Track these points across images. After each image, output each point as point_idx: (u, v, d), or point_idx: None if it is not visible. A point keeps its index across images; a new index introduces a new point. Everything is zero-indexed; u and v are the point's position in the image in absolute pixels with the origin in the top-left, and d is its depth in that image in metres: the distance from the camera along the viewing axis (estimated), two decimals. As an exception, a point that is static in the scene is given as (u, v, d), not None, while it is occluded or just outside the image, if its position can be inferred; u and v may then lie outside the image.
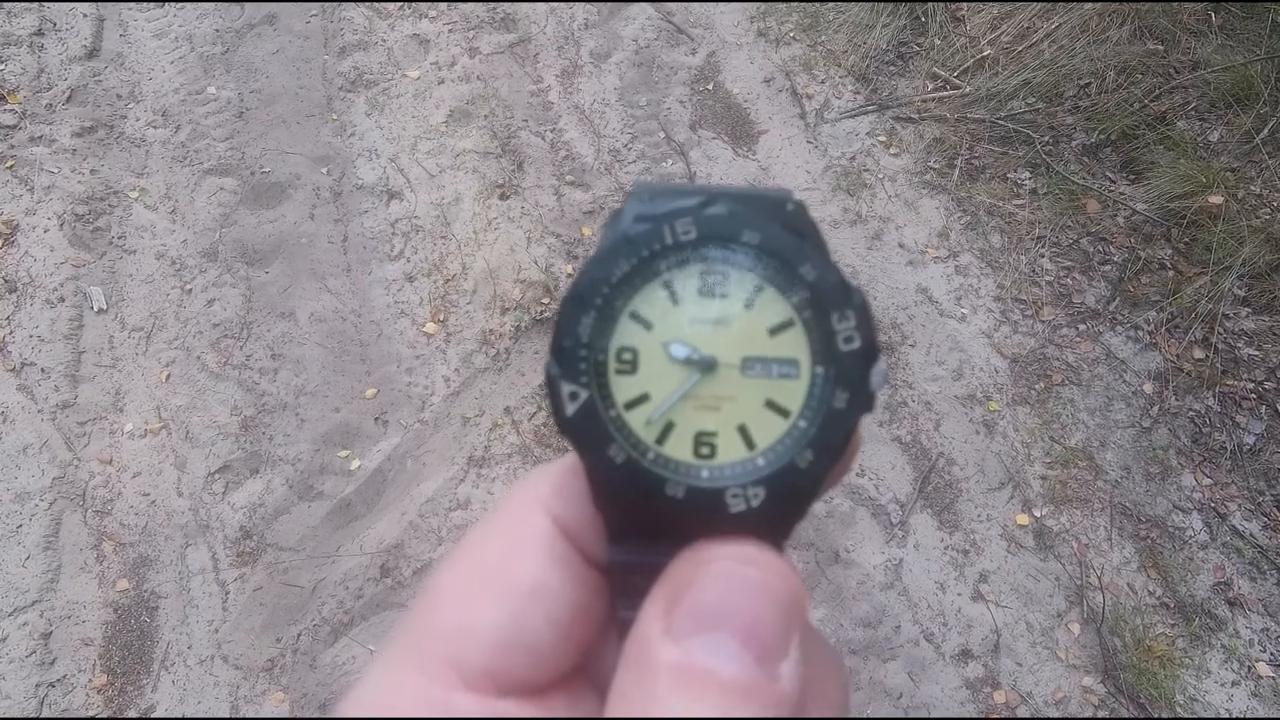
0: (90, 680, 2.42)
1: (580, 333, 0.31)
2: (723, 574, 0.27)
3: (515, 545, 0.31)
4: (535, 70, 3.74)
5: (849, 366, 0.30)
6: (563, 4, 3.94)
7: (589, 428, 0.30)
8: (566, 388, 0.30)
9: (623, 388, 0.31)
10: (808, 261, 0.31)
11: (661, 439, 0.31)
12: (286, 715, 2.36)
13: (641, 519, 0.30)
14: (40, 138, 3.44)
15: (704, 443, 0.31)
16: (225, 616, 2.51)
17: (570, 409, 0.30)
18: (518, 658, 0.29)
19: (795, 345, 0.31)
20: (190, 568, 2.58)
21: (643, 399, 0.31)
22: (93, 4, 3.86)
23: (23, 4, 3.81)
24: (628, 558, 0.30)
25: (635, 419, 0.31)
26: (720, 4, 3.97)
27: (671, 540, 0.29)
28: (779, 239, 0.31)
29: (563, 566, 0.31)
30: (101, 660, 2.44)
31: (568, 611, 0.30)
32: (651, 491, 0.30)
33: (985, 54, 3.66)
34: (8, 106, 3.50)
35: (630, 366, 0.31)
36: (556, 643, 0.30)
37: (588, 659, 0.32)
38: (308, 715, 2.36)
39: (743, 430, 0.31)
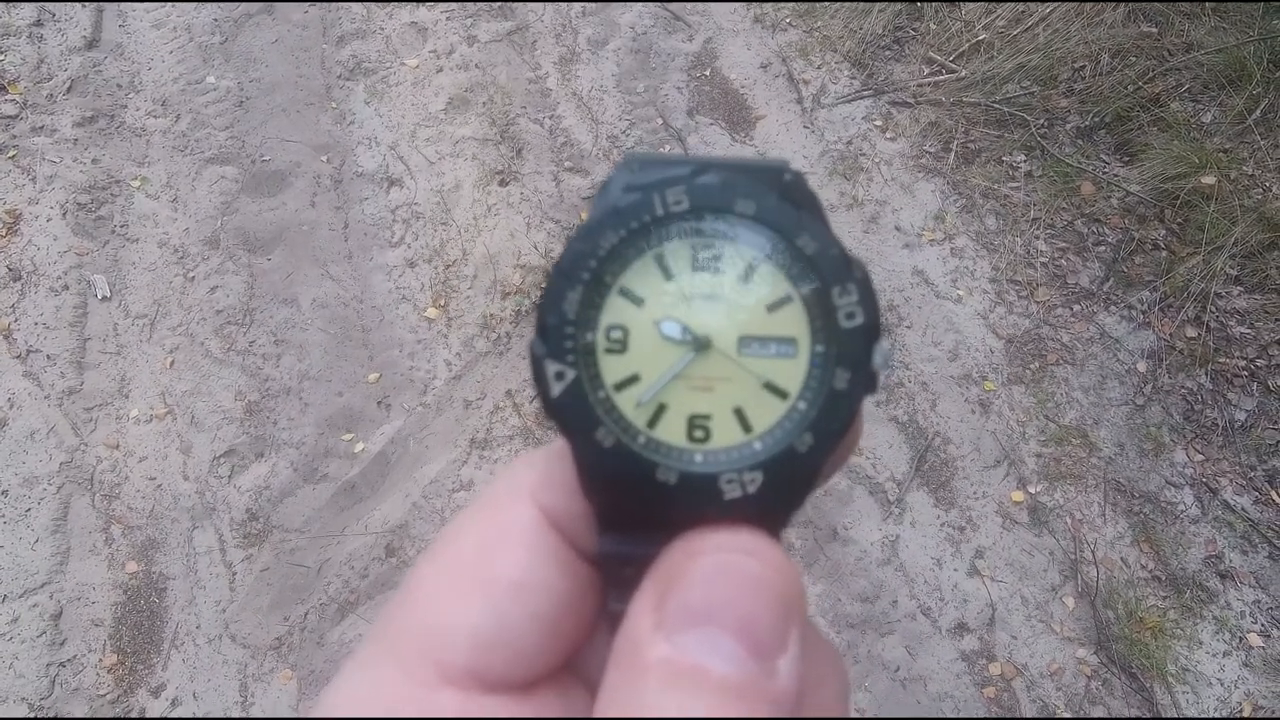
0: (101, 660, 2.46)
1: (566, 309, 0.29)
2: (717, 566, 0.26)
3: (498, 537, 0.29)
4: (533, 58, 3.76)
5: (850, 344, 0.29)
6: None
7: (576, 410, 0.29)
8: (552, 367, 0.29)
9: (612, 368, 0.29)
10: (806, 233, 0.29)
11: (653, 422, 0.29)
12: (288, 711, 2.40)
13: (632, 507, 0.29)
14: (42, 128, 3.46)
15: (698, 426, 0.29)
16: (233, 597, 2.55)
17: (556, 390, 0.29)
18: (501, 655, 0.27)
19: (794, 322, 0.29)
20: (197, 549, 2.62)
21: (633, 380, 0.29)
22: (91, -6, 3.88)
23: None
24: (618, 548, 0.29)
25: (625, 401, 0.29)
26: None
27: (664, 529, 0.28)
28: (776, 210, 0.29)
29: (549, 558, 0.29)
30: (111, 640, 2.48)
31: (554, 606, 0.28)
32: (642, 477, 0.28)
33: (980, 38, 3.68)
34: (9, 97, 3.52)
35: (620, 345, 0.29)
36: (542, 639, 0.28)
37: (578, 654, 0.30)
38: (311, 703, 2.40)
39: (739, 413, 0.29)
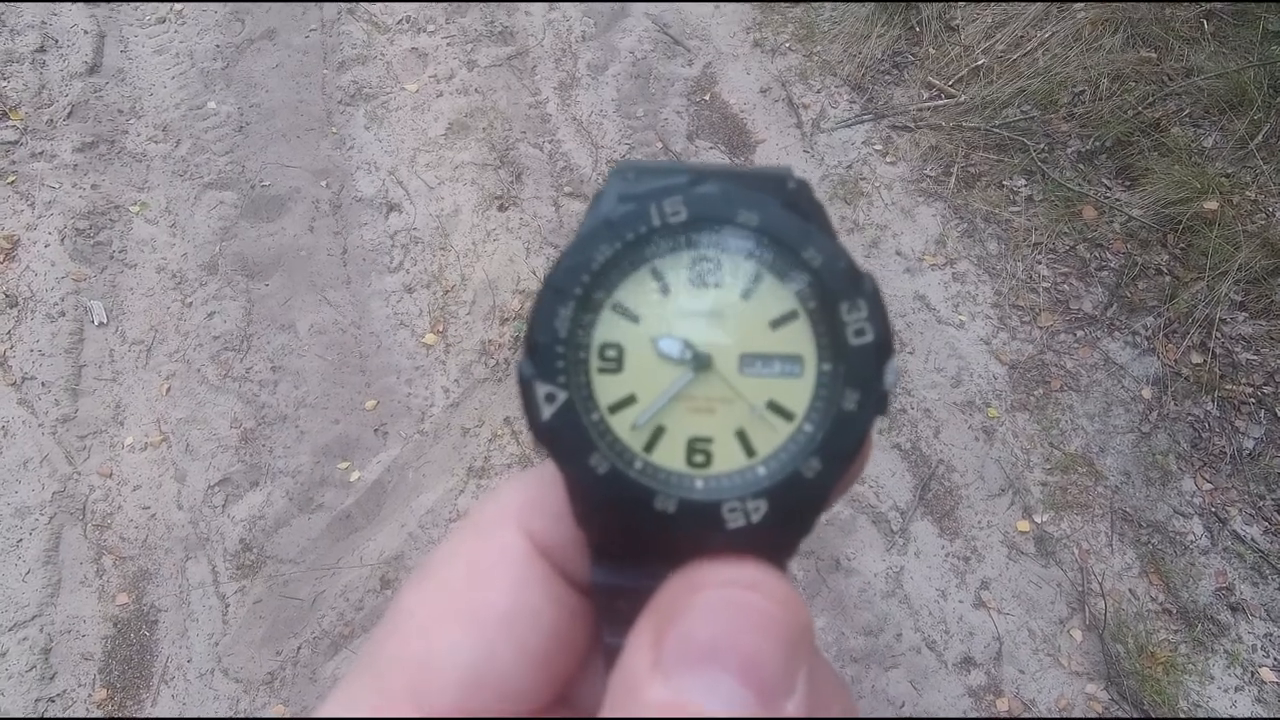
0: (90, 695, 2.41)
1: (557, 327, 0.27)
2: (719, 601, 0.24)
3: (485, 567, 0.28)
4: (533, 83, 3.77)
5: (860, 363, 0.27)
6: (560, 17, 3.97)
7: (568, 434, 0.27)
8: (542, 389, 0.27)
9: (606, 388, 0.28)
10: (812, 245, 0.27)
11: (650, 446, 0.28)
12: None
13: (628, 536, 0.27)
14: (41, 153, 3.46)
15: (698, 450, 0.28)
16: (225, 629, 2.51)
17: (546, 412, 0.27)
18: (488, 693, 0.26)
19: (799, 339, 0.28)
20: (190, 581, 2.58)
21: (629, 401, 0.28)
22: (93, 19, 3.89)
23: (25, 22, 3.84)
24: (613, 580, 0.27)
25: (620, 423, 0.28)
26: (715, 14, 4.00)
27: (662, 560, 0.26)
28: (780, 220, 0.28)
29: (539, 590, 0.28)
30: (101, 674, 2.44)
31: (544, 639, 0.27)
32: (639, 505, 0.27)
33: (980, 63, 3.69)
34: (9, 123, 3.52)
35: (615, 364, 0.28)
36: (531, 675, 0.27)
37: (572, 689, 0.29)
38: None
39: (741, 435, 0.28)
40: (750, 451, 0.27)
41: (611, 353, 0.28)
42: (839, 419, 0.27)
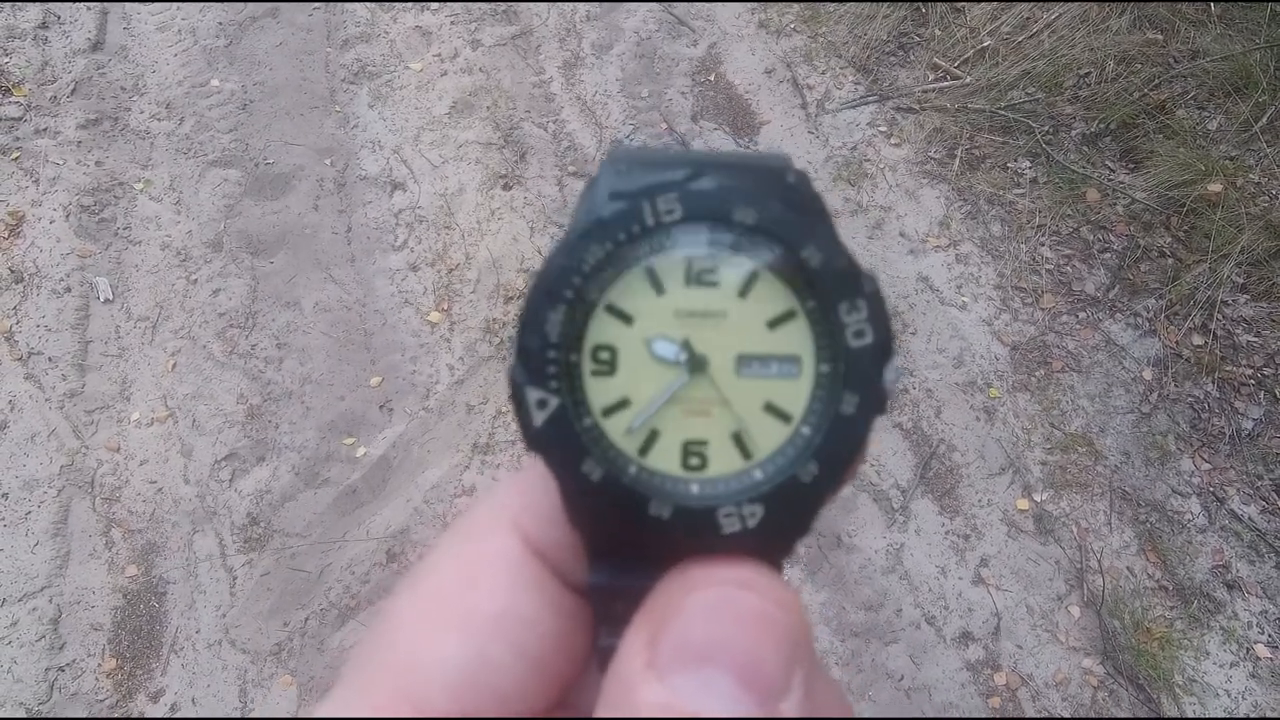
0: (100, 664, 2.44)
1: (548, 330, 0.27)
2: (715, 601, 0.24)
3: (479, 568, 0.28)
4: (537, 62, 3.76)
5: (859, 364, 0.27)
6: (565, 1, 3.95)
7: (560, 440, 0.27)
8: (534, 394, 0.27)
9: (600, 392, 0.27)
10: (812, 243, 0.27)
11: (645, 450, 0.27)
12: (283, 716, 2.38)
13: (624, 539, 0.27)
14: (45, 130, 3.46)
15: (693, 453, 0.27)
16: (233, 601, 2.53)
17: (538, 419, 0.27)
18: (483, 696, 0.26)
19: (797, 340, 0.27)
20: (198, 554, 2.61)
21: (623, 404, 0.27)
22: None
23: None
24: (609, 581, 0.27)
25: (614, 427, 0.27)
26: (723, 1, 3.98)
27: (658, 563, 0.26)
28: (778, 217, 0.27)
29: (534, 591, 0.27)
30: (111, 645, 2.47)
31: (540, 642, 0.27)
32: (633, 511, 0.26)
33: (985, 44, 3.68)
34: (13, 99, 3.52)
35: (608, 367, 0.27)
36: (527, 678, 0.27)
37: (569, 693, 0.29)
38: (310, 709, 2.39)
39: (738, 438, 0.27)
40: (747, 455, 0.27)
41: (604, 355, 0.27)
42: (838, 422, 0.27)
